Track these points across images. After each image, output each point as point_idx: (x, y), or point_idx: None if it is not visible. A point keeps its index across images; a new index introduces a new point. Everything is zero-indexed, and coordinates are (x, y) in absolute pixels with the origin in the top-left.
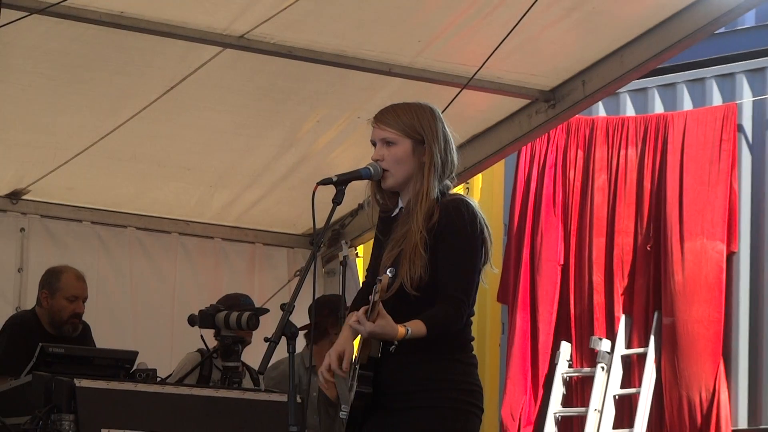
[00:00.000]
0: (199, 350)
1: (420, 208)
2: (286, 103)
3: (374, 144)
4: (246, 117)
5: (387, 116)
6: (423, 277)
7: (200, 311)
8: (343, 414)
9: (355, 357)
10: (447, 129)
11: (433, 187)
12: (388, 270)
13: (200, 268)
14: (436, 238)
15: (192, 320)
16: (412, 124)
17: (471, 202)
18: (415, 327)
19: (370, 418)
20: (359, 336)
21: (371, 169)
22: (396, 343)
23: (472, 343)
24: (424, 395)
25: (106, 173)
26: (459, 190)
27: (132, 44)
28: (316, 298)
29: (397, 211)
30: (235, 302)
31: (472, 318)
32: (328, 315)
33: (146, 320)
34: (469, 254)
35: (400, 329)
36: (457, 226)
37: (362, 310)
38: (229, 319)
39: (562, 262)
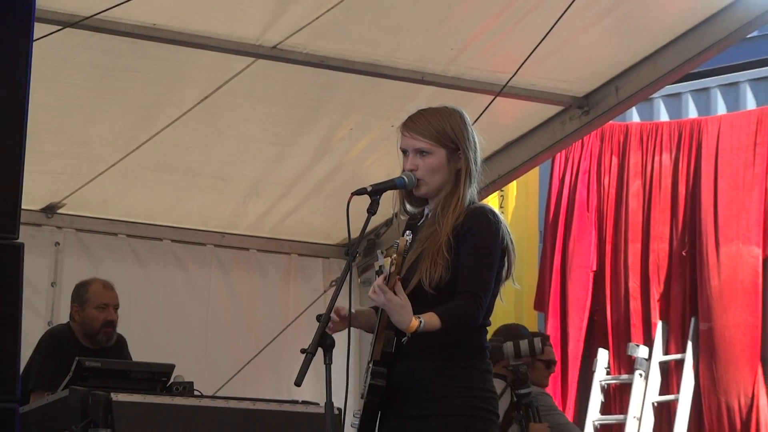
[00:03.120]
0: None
1: (451, 213)
2: (319, 111)
3: (404, 152)
4: (279, 126)
5: (419, 124)
6: (443, 276)
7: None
8: (355, 422)
9: (369, 354)
10: (475, 133)
11: (467, 195)
12: (406, 233)
13: (235, 280)
14: (458, 240)
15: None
16: (445, 131)
17: (497, 213)
18: (429, 319)
19: (384, 424)
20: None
21: (406, 178)
22: (409, 335)
23: (487, 350)
24: (440, 403)
25: (140, 185)
26: (493, 198)
27: (164, 55)
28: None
29: (424, 218)
30: (516, 332)
31: (488, 327)
32: None
33: (181, 333)
34: (488, 256)
35: (414, 320)
36: (481, 229)
37: (381, 278)
38: (519, 347)
39: (595, 269)
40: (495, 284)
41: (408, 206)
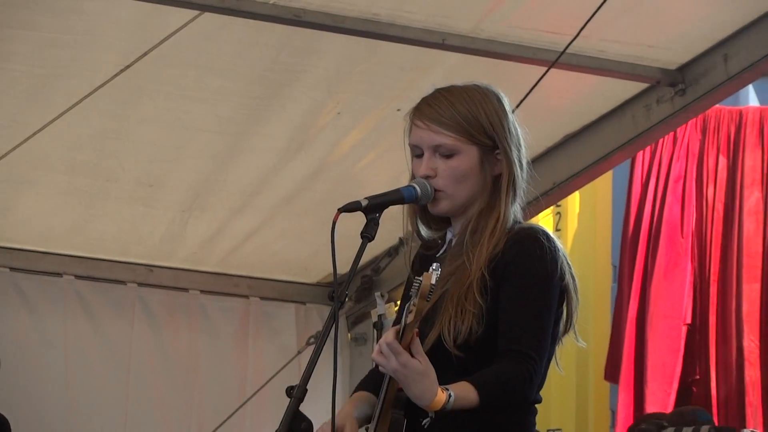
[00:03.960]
0: None
1: (487, 239)
2: (292, 88)
3: (416, 150)
4: (234, 108)
5: (439, 110)
6: (474, 329)
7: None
8: None
9: None
10: (518, 124)
11: (510, 212)
12: (432, 267)
13: (168, 334)
14: (497, 276)
15: None
16: (477, 121)
17: (553, 236)
18: (462, 391)
19: None
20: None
21: (418, 188)
22: (432, 414)
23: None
24: None
25: (28, 195)
26: (547, 215)
27: (69, 5)
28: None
29: (445, 246)
30: (691, 418)
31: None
32: None
33: (88, 407)
34: (542, 299)
35: (440, 393)
36: (530, 261)
37: (391, 332)
38: None
39: (689, 321)
40: (551, 341)
41: (422, 229)
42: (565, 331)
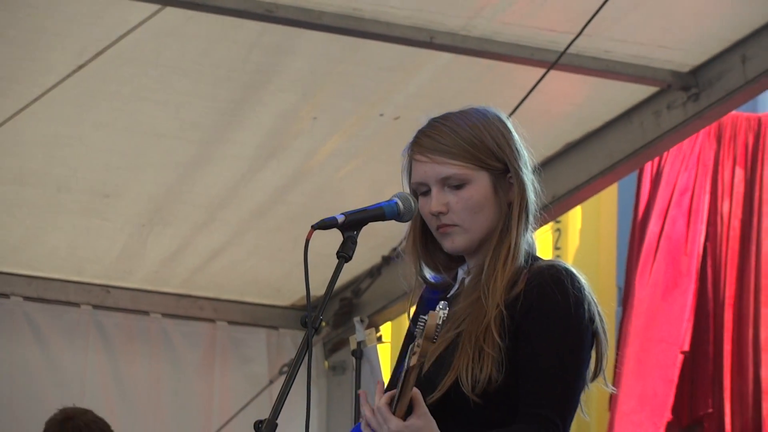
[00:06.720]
0: None
1: (502, 271)
2: (264, 90)
3: (422, 187)
4: (200, 112)
5: (441, 139)
6: (494, 377)
7: None
8: None
9: None
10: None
11: (521, 241)
12: (439, 305)
13: (125, 362)
14: (516, 320)
15: None
16: (484, 144)
17: (577, 275)
18: None
19: None
20: None
21: (400, 203)
22: None
23: None
24: None
25: None
26: (545, 232)
27: (20, 0)
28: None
29: (457, 286)
30: None
31: None
32: None
33: None
34: (571, 354)
35: None
36: (555, 310)
37: (385, 397)
38: None
39: (686, 348)
40: (580, 386)
41: (427, 272)
42: (594, 376)
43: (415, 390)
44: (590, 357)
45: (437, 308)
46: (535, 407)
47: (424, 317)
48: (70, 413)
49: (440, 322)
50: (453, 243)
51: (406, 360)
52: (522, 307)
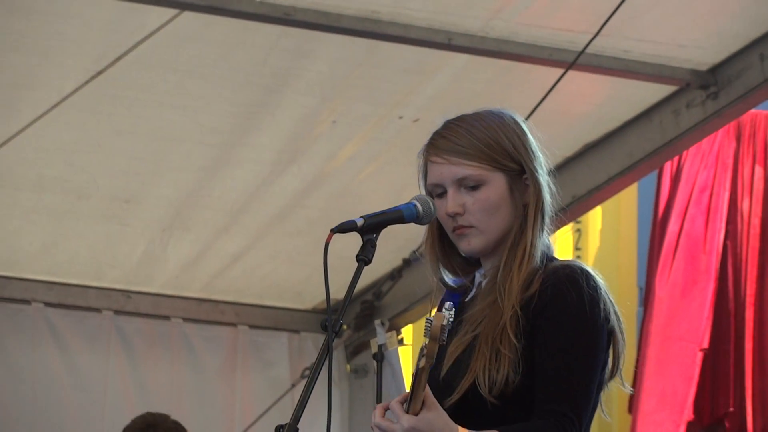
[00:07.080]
0: None
1: (518, 273)
2: (282, 94)
3: (437, 189)
4: (219, 117)
5: (457, 140)
6: (511, 378)
7: None
8: None
9: None
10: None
11: (537, 242)
12: (445, 306)
13: (148, 366)
14: (528, 315)
15: None
16: (500, 145)
17: (593, 274)
18: None
19: None
20: None
21: (419, 206)
22: None
23: None
24: None
25: None
26: (566, 233)
27: (34, 5)
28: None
29: (474, 289)
30: None
31: None
32: None
33: None
34: (586, 352)
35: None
36: (571, 309)
37: (398, 398)
38: None
39: (705, 346)
40: (595, 384)
41: (446, 276)
42: (612, 376)
43: (427, 388)
44: (607, 356)
45: (443, 309)
46: (549, 403)
47: (430, 319)
48: (151, 420)
49: (446, 323)
50: (469, 244)
51: (416, 362)
52: (536, 306)
